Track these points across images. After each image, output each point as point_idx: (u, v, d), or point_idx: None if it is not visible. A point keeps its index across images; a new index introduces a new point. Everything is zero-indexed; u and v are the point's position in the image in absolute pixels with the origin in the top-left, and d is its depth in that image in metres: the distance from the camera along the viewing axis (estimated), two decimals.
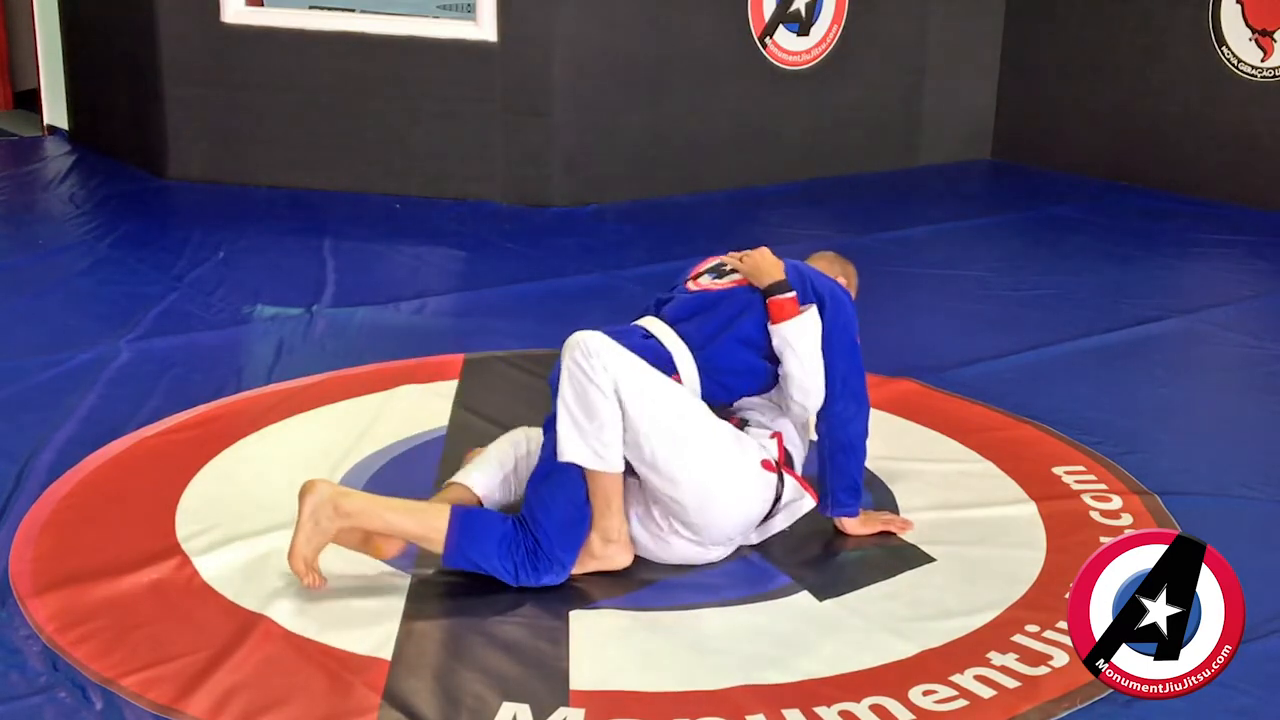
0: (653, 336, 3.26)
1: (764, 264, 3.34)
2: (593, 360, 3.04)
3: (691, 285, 3.45)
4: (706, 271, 3.49)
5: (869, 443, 3.39)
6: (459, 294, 5.54)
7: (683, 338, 3.28)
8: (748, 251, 3.41)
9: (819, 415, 3.31)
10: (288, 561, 3.03)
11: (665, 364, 3.21)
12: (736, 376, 3.32)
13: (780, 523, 3.30)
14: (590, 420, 3.03)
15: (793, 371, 3.26)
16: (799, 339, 3.24)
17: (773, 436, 3.31)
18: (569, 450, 3.05)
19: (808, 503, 3.31)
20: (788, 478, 3.27)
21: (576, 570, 3.14)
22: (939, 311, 5.39)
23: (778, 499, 3.24)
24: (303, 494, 3.04)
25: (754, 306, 3.31)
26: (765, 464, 3.22)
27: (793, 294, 3.27)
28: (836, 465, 3.31)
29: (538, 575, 3.07)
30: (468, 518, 3.08)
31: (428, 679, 2.74)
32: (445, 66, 6.80)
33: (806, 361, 3.24)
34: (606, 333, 3.15)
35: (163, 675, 2.71)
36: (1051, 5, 8.09)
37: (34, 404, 4.08)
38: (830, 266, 3.59)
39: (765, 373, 3.32)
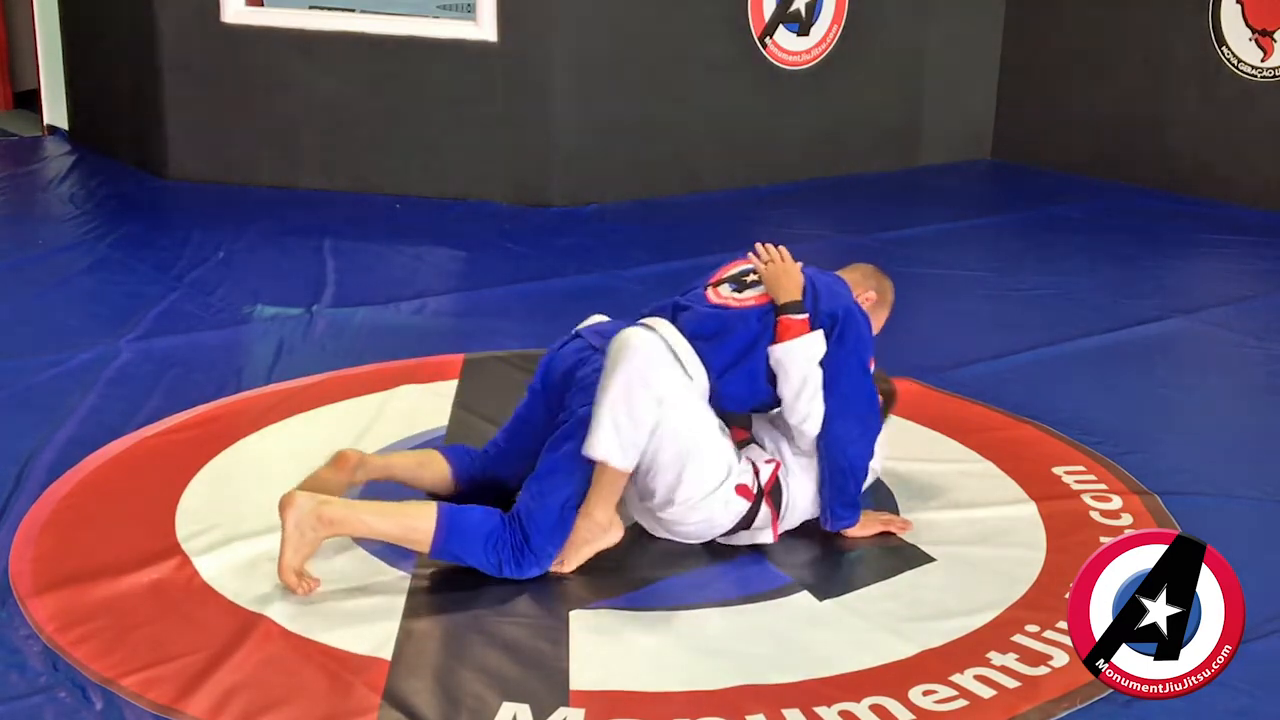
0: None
1: (786, 279, 3.29)
2: (659, 372, 3.06)
3: (711, 295, 3.38)
4: (728, 280, 3.42)
5: None
6: (459, 294, 5.54)
7: (698, 355, 3.26)
8: (775, 255, 3.34)
9: (819, 436, 3.27)
10: (279, 576, 3.03)
11: None
12: (742, 404, 3.33)
13: (743, 539, 3.31)
14: (633, 424, 3.03)
15: (785, 394, 3.24)
16: (793, 362, 3.21)
17: (769, 462, 3.31)
18: (602, 448, 3.04)
19: (768, 536, 3.31)
20: (764, 508, 3.28)
21: (574, 564, 3.14)
22: (939, 311, 5.39)
23: (750, 521, 3.27)
24: (282, 508, 3.03)
25: (768, 334, 3.26)
26: (741, 489, 3.22)
27: (804, 316, 3.24)
28: (835, 485, 3.29)
29: (521, 570, 3.09)
30: (454, 518, 3.08)
31: (428, 679, 2.73)
32: (445, 66, 6.80)
33: (799, 386, 3.21)
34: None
35: (163, 675, 2.71)
36: (1051, 6, 8.08)
37: (34, 404, 4.08)
38: (864, 281, 3.52)
39: (773, 397, 3.31)
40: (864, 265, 3.63)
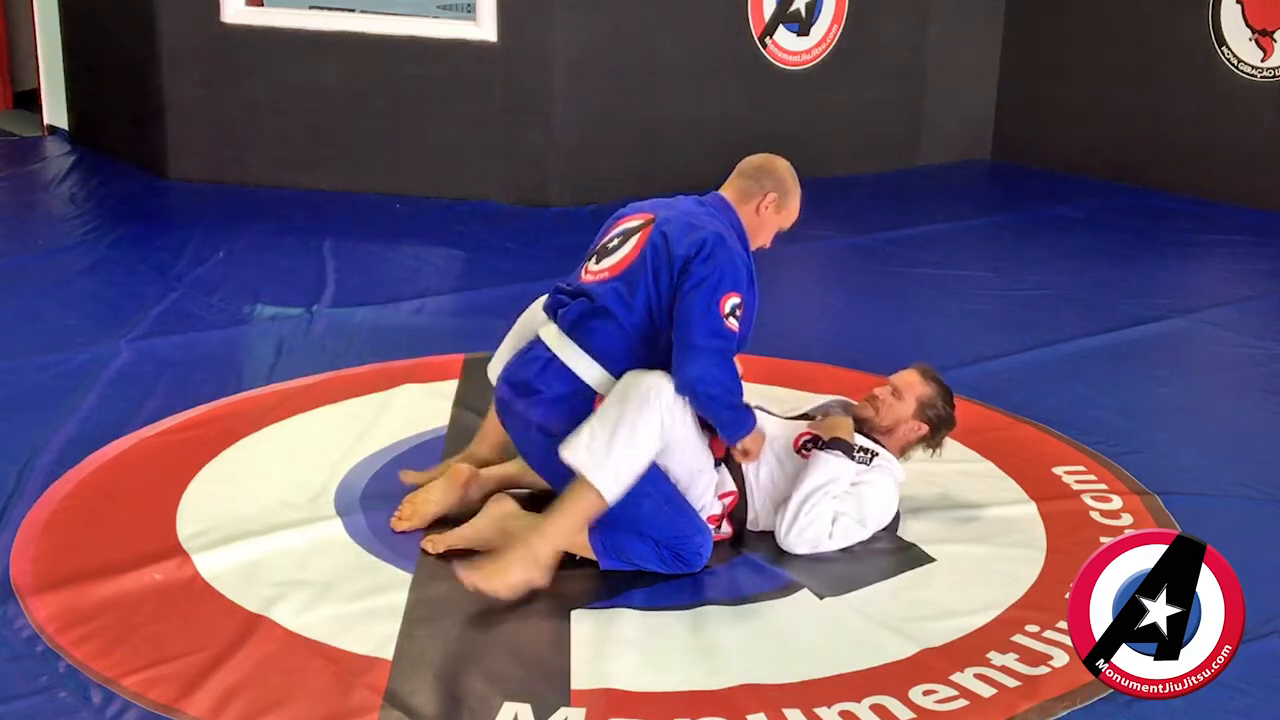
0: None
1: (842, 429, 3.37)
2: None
3: (583, 273, 3.35)
4: (597, 251, 3.36)
5: None
6: (459, 294, 5.53)
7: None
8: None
9: (677, 386, 3.11)
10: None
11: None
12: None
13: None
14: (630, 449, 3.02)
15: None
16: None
17: (727, 495, 3.32)
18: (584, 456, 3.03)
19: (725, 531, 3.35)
20: (725, 525, 3.33)
21: (493, 585, 2.98)
22: (939, 311, 5.39)
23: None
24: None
25: (619, 309, 3.21)
26: (711, 518, 3.26)
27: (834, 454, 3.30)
28: (708, 413, 3.17)
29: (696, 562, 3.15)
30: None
31: (429, 679, 2.74)
32: (445, 66, 6.80)
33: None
34: None
35: (163, 675, 2.71)
36: (1052, 6, 8.09)
37: (34, 404, 4.08)
38: (752, 186, 3.43)
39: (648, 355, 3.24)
40: (753, 159, 3.41)
